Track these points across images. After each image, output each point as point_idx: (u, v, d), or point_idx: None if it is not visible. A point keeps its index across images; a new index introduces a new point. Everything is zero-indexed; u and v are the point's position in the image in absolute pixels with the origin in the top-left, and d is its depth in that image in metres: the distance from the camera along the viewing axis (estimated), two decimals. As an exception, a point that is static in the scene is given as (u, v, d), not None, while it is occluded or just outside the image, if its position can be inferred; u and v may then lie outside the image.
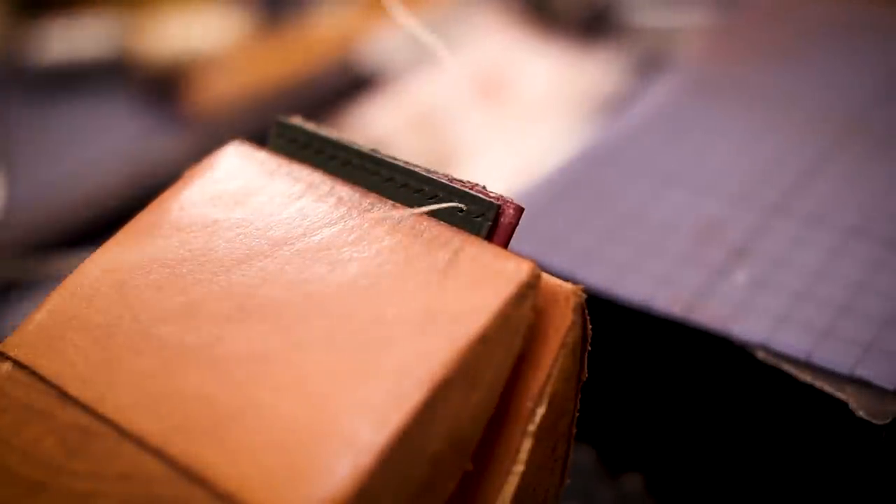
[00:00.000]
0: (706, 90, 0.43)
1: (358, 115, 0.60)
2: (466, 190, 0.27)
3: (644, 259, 0.36)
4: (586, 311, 0.26)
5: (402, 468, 0.23)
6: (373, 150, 0.29)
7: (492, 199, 0.27)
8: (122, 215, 0.30)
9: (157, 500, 0.23)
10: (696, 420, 0.36)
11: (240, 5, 0.74)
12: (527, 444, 0.25)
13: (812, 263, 0.35)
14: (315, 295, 0.25)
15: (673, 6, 0.64)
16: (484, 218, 0.27)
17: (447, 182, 0.27)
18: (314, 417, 0.23)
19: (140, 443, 0.24)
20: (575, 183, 0.40)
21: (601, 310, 0.31)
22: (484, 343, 0.24)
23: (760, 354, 0.32)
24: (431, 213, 0.27)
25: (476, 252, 0.25)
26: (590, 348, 0.26)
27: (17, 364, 0.26)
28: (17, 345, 0.27)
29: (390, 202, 0.27)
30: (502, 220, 0.27)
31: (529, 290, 0.25)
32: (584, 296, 0.26)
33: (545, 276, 0.26)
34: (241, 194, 0.29)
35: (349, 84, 0.63)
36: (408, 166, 0.28)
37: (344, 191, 0.28)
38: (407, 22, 0.31)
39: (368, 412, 0.23)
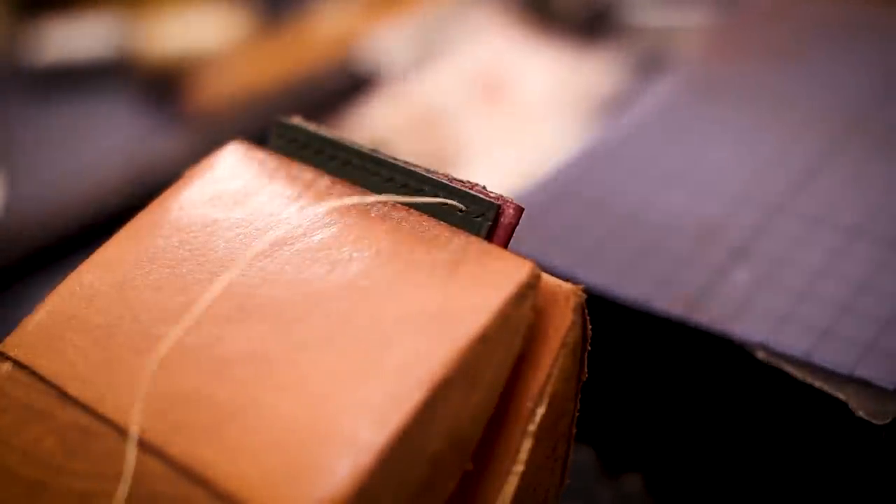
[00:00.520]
0: (706, 90, 0.43)
1: (358, 115, 0.60)
2: (466, 190, 0.27)
3: (644, 259, 0.36)
4: (586, 311, 0.26)
5: (402, 468, 0.23)
6: (373, 150, 0.29)
7: (492, 199, 0.27)
8: (122, 215, 0.30)
9: (158, 499, 0.23)
10: (696, 420, 0.36)
11: (240, 5, 0.74)
12: (527, 444, 0.25)
13: (812, 263, 0.35)
14: (315, 295, 0.25)
15: (673, 6, 0.64)
16: (484, 218, 0.27)
17: (447, 182, 0.27)
18: (314, 417, 0.23)
19: (140, 443, 0.24)
20: (575, 183, 0.40)
21: (601, 310, 0.31)
22: (484, 343, 0.24)
23: (760, 354, 0.32)
24: (431, 214, 0.27)
25: (476, 252, 0.25)
26: (590, 348, 0.26)
27: (17, 364, 0.26)
28: (16, 345, 0.27)
29: (390, 202, 0.27)
30: (502, 220, 0.27)
31: (529, 290, 0.25)
32: (584, 296, 0.26)
33: (545, 276, 0.26)
34: (241, 194, 0.29)
35: (349, 84, 0.63)
36: (408, 166, 0.28)
37: (344, 191, 0.28)
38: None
39: (368, 412, 0.23)
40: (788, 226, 0.36)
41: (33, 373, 0.26)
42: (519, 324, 0.25)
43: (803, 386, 0.32)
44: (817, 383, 0.31)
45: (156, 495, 0.23)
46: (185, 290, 0.26)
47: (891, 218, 0.36)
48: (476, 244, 0.26)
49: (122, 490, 0.23)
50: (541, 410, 0.25)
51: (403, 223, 0.27)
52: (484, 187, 0.27)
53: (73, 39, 0.71)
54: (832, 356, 0.32)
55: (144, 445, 0.24)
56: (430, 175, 0.28)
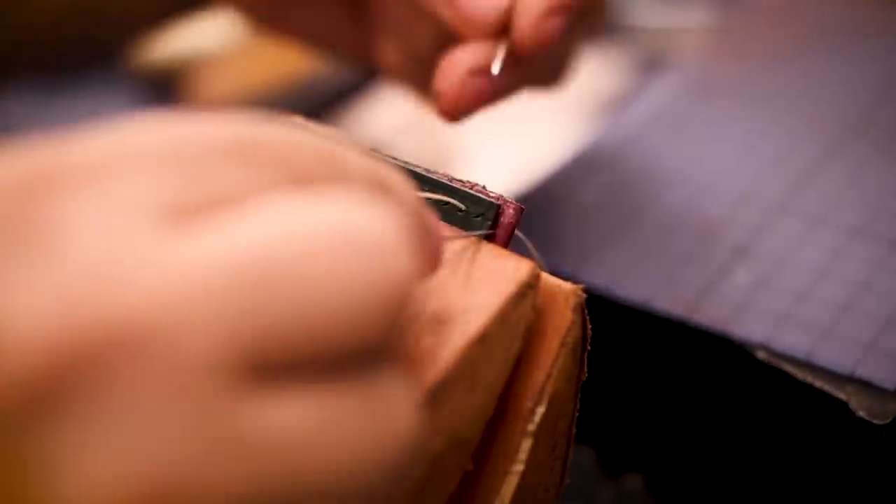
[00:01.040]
0: (706, 90, 0.43)
1: (358, 115, 0.60)
2: (466, 190, 0.27)
3: (644, 259, 0.36)
4: (586, 311, 0.26)
5: (402, 467, 0.23)
6: (372, 150, 0.29)
7: (492, 200, 0.27)
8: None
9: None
10: (697, 420, 0.36)
11: (240, 5, 0.74)
12: (526, 444, 0.25)
13: (813, 263, 0.35)
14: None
15: (673, 6, 0.64)
16: (484, 218, 0.27)
17: (447, 182, 0.27)
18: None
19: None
20: (575, 183, 0.40)
21: (601, 310, 0.31)
22: (484, 343, 0.24)
23: (760, 354, 0.32)
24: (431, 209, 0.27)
25: (475, 252, 0.25)
26: (590, 348, 0.26)
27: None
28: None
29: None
30: (502, 220, 0.27)
31: (529, 289, 0.25)
32: (584, 296, 0.26)
33: (545, 276, 0.26)
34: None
35: (349, 84, 0.63)
36: (408, 166, 0.28)
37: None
38: None
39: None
40: (788, 226, 0.36)
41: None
42: (519, 324, 0.25)
43: (803, 386, 0.32)
44: (817, 383, 0.31)
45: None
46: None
47: (891, 218, 0.36)
48: (476, 244, 0.26)
49: None
50: (541, 410, 0.25)
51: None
52: (484, 187, 0.27)
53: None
54: (832, 356, 0.32)
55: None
56: (430, 175, 0.28)
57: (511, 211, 0.27)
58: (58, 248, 0.17)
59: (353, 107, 0.61)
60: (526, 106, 0.43)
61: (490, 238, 0.26)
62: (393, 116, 0.59)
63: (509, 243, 0.27)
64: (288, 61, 0.65)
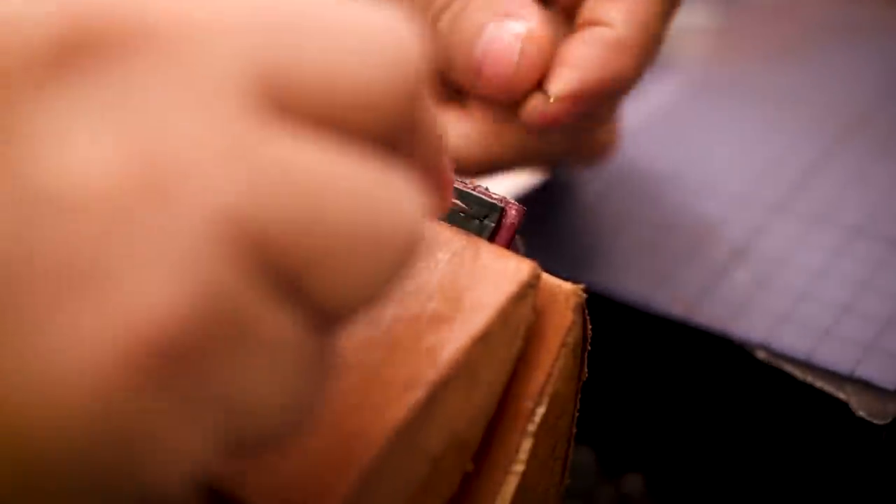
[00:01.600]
0: (707, 90, 0.43)
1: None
2: (469, 191, 0.27)
3: (644, 259, 0.36)
4: (586, 311, 0.26)
5: (402, 467, 0.23)
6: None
7: (494, 201, 0.27)
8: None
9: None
10: (696, 420, 0.36)
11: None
12: (527, 444, 0.25)
13: (813, 263, 0.35)
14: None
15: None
16: (487, 219, 0.27)
17: (449, 182, 0.27)
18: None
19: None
20: (575, 183, 0.40)
21: (601, 310, 0.31)
22: (484, 342, 0.24)
23: (760, 354, 0.32)
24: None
25: (476, 252, 0.25)
26: (590, 348, 0.26)
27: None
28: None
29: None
30: (505, 220, 0.27)
31: (530, 289, 0.25)
32: (585, 296, 0.26)
33: (545, 276, 0.26)
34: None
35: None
36: (409, 166, 0.28)
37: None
38: None
39: (368, 411, 0.23)
40: (788, 226, 0.36)
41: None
42: (519, 323, 0.25)
43: (803, 386, 0.32)
44: (818, 383, 0.31)
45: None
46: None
47: (891, 218, 0.36)
48: (476, 244, 0.26)
49: None
50: (541, 410, 0.25)
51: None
52: (486, 188, 0.27)
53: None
54: (832, 356, 0.32)
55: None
56: (431, 175, 0.28)
57: (513, 212, 0.27)
58: None
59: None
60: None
61: (492, 239, 0.26)
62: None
63: (511, 244, 0.27)
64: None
